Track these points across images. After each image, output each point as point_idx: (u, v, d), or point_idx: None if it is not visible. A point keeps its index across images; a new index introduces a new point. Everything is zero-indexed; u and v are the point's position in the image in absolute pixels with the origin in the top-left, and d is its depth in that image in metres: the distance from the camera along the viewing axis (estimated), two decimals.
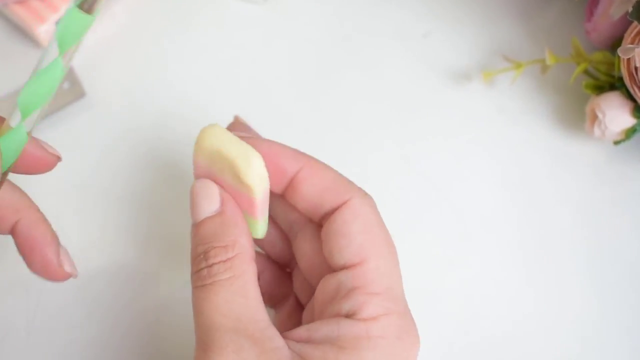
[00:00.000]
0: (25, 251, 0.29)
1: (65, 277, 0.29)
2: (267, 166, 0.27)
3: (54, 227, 0.38)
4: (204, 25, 0.45)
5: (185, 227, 0.38)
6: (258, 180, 0.27)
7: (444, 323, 0.37)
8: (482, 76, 0.43)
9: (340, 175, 0.30)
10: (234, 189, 0.28)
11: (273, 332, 0.26)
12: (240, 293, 0.26)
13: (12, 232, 0.29)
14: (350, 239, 0.27)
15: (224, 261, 0.26)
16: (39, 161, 0.28)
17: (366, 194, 0.29)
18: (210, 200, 0.28)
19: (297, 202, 0.30)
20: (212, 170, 0.28)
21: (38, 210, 0.29)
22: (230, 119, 0.39)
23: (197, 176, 0.29)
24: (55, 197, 0.39)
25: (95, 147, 0.41)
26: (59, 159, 0.29)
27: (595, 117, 0.40)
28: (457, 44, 0.45)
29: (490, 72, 0.43)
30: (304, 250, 0.30)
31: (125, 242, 0.38)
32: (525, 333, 0.37)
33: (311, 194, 0.29)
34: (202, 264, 0.26)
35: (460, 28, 0.46)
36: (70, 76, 0.41)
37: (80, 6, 0.24)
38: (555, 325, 0.38)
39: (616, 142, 0.41)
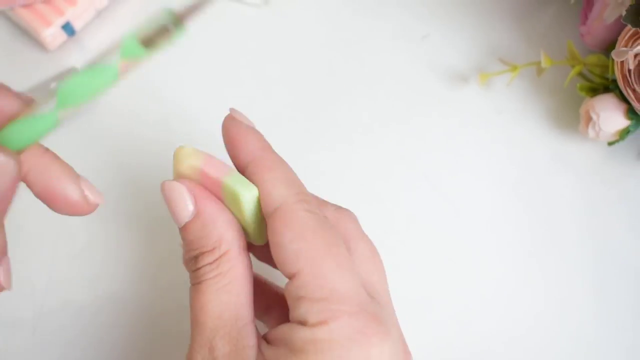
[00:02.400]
0: (47, 200, 0.26)
1: (94, 208, 0.27)
2: (228, 150, 0.28)
3: (59, 229, 0.38)
4: (205, 28, 0.45)
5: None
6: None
7: (441, 321, 0.37)
8: (479, 78, 0.43)
9: (284, 176, 0.28)
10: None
11: (249, 331, 0.26)
12: (225, 290, 0.26)
13: (27, 184, 0.26)
14: (284, 249, 0.26)
15: (211, 263, 0.27)
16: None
17: (301, 198, 0.27)
18: (184, 202, 0.27)
19: None
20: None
21: (45, 152, 0.26)
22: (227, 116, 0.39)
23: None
24: None
25: (98, 149, 0.41)
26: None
27: (589, 119, 0.40)
28: (455, 46, 0.45)
29: (486, 74, 0.43)
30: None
31: (130, 239, 0.38)
32: (523, 330, 0.37)
33: None
34: (193, 266, 0.27)
35: (458, 31, 0.46)
36: None
37: (140, 38, 0.23)
38: (553, 323, 0.38)
39: (610, 143, 0.41)
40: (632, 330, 0.38)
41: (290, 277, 0.26)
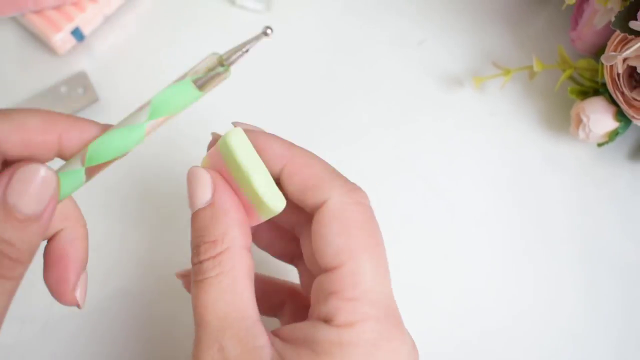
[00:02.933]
0: (50, 260, 0.26)
1: (71, 302, 0.26)
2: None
3: None
4: (209, 33, 0.45)
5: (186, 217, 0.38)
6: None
7: (437, 316, 0.38)
8: (474, 82, 0.43)
9: (324, 169, 0.27)
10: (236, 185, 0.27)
11: (258, 330, 0.25)
12: (229, 290, 0.25)
13: (50, 239, 0.26)
14: (328, 241, 0.25)
15: (213, 257, 0.25)
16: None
17: (351, 189, 0.26)
18: (203, 189, 0.27)
19: (287, 197, 0.27)
20: (220, 162, 0.27)
21: (84, 226, 0.27)
22: (233, 119, 0.39)
23: (208, 157, 0.28)
24: (74, 196, 0.39)
25: None
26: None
27: (580, 121, 0.41)
28: (450, 51, 0.45)
29: (480, 77, 0.43)
30: (305, 249, 0.29)
31: (137, 237, 0.38)
32: (516, 325, 0.38)
33: (294, 192, 0.27)
34: (195, 259, 0.26)
35: (453, 36, 0.46)
36: (84, 82, 0.41)
37: (195, 81, 0.25)
38: (545, 317, 0.38)
39: (600, 144, 0.41)
40: (621, 323, 0.38)
41: (328, 270, 0.25)
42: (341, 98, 0.43)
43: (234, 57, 0.25)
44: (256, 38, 0.25)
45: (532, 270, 0.39)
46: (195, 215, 0.26)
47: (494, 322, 0.38)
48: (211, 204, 0.26)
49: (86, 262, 0.27)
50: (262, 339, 0.25)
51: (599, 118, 0.39)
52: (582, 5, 0.43)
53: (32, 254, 0.24)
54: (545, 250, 0.40)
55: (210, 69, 0.25)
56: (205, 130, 0.41)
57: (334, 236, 0.25)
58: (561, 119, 0.43)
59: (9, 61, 0.43)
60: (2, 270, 0.23)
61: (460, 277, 0.39)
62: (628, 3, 0.35)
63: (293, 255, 0.32)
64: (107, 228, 0.39)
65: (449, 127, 0.43)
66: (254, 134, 0.28)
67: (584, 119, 0.40)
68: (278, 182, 0.27)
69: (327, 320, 0.24)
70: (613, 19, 0.34)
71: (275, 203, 0.26)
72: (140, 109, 0.25)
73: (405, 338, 0.25)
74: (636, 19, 0.33)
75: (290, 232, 0.31)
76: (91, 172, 0.25)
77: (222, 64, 0.25)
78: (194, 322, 0.26)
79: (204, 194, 0.26)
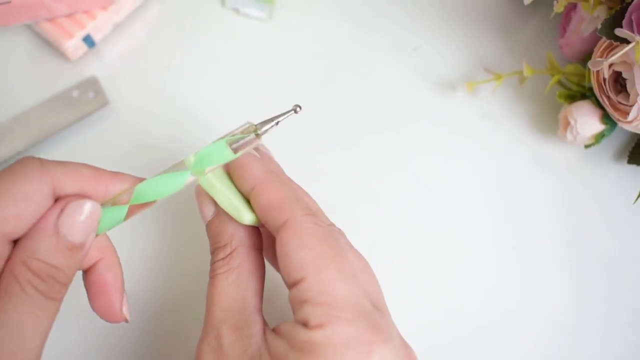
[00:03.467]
0: (94, 290, 0.28)
1: (120, 320, 0.28)
2: (233, 176, 0.29)
3: None
4: (214, 40, 0.45)
5: (195, 216, 0.38)
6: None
7: (431, 311, 0.38)
8: (466, 86, 0.43)
9: (290, 195, 0.28)
10: None
11: (255, 319, 0.27)
12: (233, 285, 0.27)
13: (88, 269, 0.28)
14: (290, 257, 0.26)
15: (223, 258, 0.28)
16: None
17: (310, 213, 0.27)
18: (207, 204, 0.30)
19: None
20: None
21: (116, 254, 0.29)
22: (237, 123, 0.39)
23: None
24: None
25: (117, 149, 0.41)
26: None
27: (567, 123, 0.41)
28: (444, 57, 0.45)
29: (473, 82, 0.43)
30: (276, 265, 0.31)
31: (145, 232, 0.38)
32: (507, 318, 0.38)
33: (259, 212, 0.28)
34: (211, 261, 0.28)
35: (447, 43, 0.46)
36: (95, 87, 0.42)
37: (230, 144, 0.27)
38: (534, 310, 0.38)
39: (587, 146, 0.41)
40: (605, 314, 0.38)
41: (295, 284, 0.26)
42: (340, 101, 0.44)
43: (266, 127, 0.28)
44: (286, 113, 0.28)
45: (522, 266, 0.39)
46: (207, 226, 0.29)
47: (487, 316, 0.38)
48: (216, 215, 0.29)
49: (123, 284, 0.28)
50: (255, 327, 0.26)
51: (586, 121, 0.40)
52: (569, 13, 0.43)
53: (72, 278, 0.26)
54: (534, 247, 0.40)
55: (245, 134, 0.27)
56: (208, 129, 0.42)
57: (296, 251, 0.26)
58: (550, 121, 0.43)
59: (24, 66, 0.43)
60: (53, 294, 0.25)
61: (454, 273, 0.39)
62: (613, 11, 0.35)
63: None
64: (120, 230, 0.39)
65: (443, 130, 0.43)
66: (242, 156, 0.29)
67: (572, 122, 0.40)
68: (249, 200, 0.29)
69: (304, 324, 0.25)
70: (599, 26, 0.35)
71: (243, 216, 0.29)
72: (184, 160, 0.27)
73: (389, 339, 0.25)
74: (621, 27, 0.33)
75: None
76: (132, 210, 0.27)
77: (255, 132, 0.27)
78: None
79: (209, 207, 0.30)
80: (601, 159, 0.42)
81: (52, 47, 0.44)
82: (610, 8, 0.37)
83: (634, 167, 0.42)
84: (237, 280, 0.27)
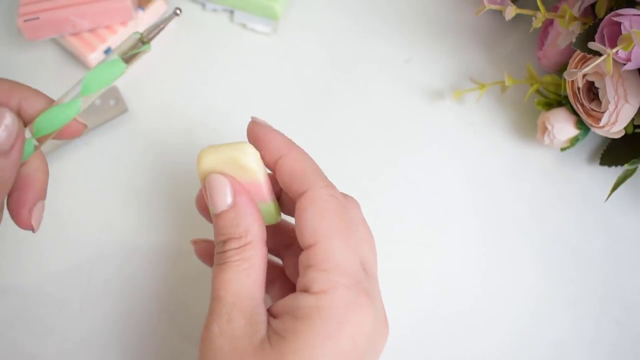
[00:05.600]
0: (13, 187, 0.27)
1: (26, 225, 0.27)
2: (258, 148, 0.28)
3: (102, 217, 0.38)
4: (224, 53, 0.45)
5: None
6: (255, 162, 0.27)
7: (420, 297, 0.38)
8: (453, 95, 0.43)
9: (310, 167, 0.28)
10: (241, 182, 0.28)
11: (261, 309, 0.26)
12: (245, 273, 0.26)
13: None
14: (306, 222, 0.26)
15: (237, 248, 0.27)
16: (70, 129, 0.27)
17: (327, 185, 0.28)
18: (224, 194, 0.27)
19: (280, 185, 0.29)
20: (230, 166, 0.27)
21: (45, 163, 0.28)
22: (245, 127, 0.39)
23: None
24: (103, 193, 0.39)
25: (134, 151, 0.41)
26: (85, 126, 0.28)
27: (545, 129, 0.41)
28: (433, 68, 0.45)
29: (459, 91, 0.43)
30: (289, 266, 0.31)
31: (159, 228, 0.38)
32: (486, 305, 0.38)
33: (284, 179, 0.28)
34: (220, 249, 0.27)
35: (435, 55, 0.46)
36: (116, 95, 0.41)
37: (123, 58, 0.26)
38: (511, 299, 0.38)
39: (562, 149, 0.41)
40: (575, 301, 0.38)
41: (306, 247, 0.26)
42: (337, 109, 0.43)
43: (152, 34, 0.26)
44: (169, 18, 0.27)
45: (501, 258, 0.39)
46: (219, 216, 0.27)
47: (468, 301, 0.38)
48: (233, 206, 0.27)
49: (44, 194, 0.27)
50: (262, 316, 0.26)
51: (562, 126, 0.39)
52: (547, 28, 0.43)
53: (5, 185, 0.25)
54: (513, 241, 0.40)
55: (133, 47, 0.26)
56: (218, 134, 0.41)
57: (312, 219, 0.26)
58: (529, 127, 0.43)
59: (51, 76, 0.43)
60: None
61: (439, 262, 0.39)
62: (587, 27, 0.35)
63: (278, 249, 0.33)
64: (134, 219, 0.39)
65: (431, 134, 0.43)
66: (265, 128, 0.29)
67: (549, 127, 0.40)
68: (273, 169, 0.28)
69: (305, 290, 0.25)
70: (574, 40, 0.34)
71: (279, 216, 0.29)
72: (73, 87, 0.26)
73: (373, 306, 0.26)
74: (594, 40, 0.33)
75: (277, 232, 0.32)
76: (40, 140, 0.26)
77: (143, 42, 0.26)
78: (210, 299, 0.27)
79: (226, 198, 0.27)
80: (576, 161, 0.42)
81: (76, 59, 0.44)
82: (584, 24, 0.37)
83: (605, 168, 0.41)
84: (249, 269, 0.26)
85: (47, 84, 0.43)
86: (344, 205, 0.27)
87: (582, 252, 0.39)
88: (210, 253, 0.33)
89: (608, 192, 0.37)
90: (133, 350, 0.35)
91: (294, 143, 0.29)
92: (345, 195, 0.29)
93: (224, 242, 0.27)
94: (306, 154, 0.29)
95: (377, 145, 0.42)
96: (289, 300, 0.26)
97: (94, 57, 0.42)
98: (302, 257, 0.26)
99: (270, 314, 0.26)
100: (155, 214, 0.39)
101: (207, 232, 0.38)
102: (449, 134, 0.43)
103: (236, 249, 0.27)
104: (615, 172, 0.41)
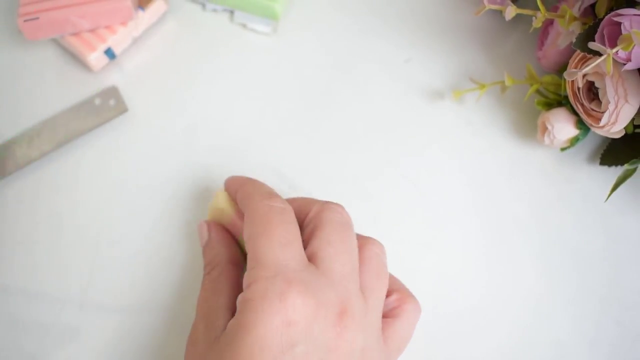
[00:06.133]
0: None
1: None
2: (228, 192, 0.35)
3: (102, 217, 0.38)
4: (224, 53, 0.45)
5: (203, 213, 0.38)
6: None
7: (418, 296, 0.37)
8: (453, 95, 0.43)
9: (254, 188, 0.32)
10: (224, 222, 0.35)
11: (222, 313, 0.30)
12: (211, 290, 0.31)
13: None
14: (244, 235, 0.30)
15: (209, 272, 0.33)
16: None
17: (264, 197, 0.31)
18: (203, 232, 0.35)
19: None
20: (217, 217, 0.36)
21: None
22: (245, 127, 0.39)
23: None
24: (103, 193, 0.39)
25: (134, 151, 0.41)
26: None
27: (545, 129, 0.41)
28: (432, 68, 0.45)
29: (459, 91, 0.43)
30: None
31: (159, 228, 0.38)
32: (485, 305, 0.38)
33: (239, 204, 0.33)
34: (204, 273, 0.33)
35: (435, 56, 0.46)
36: (116, 95, 0.41)
37: None
38: (511, 299, 0.38)
39: (562, 149, 0.41)
40: (574, 300, 0.38)
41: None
42: (338, 109, 0.43)
43: None
44: None
45: (501, 259, 0.39)
46: (203, 250, 0.35)
47: (467, 302, 0.38)
48: (208, 241, 0.34)
49: None
50: (221, 320, 0.29)
51: (562, 126, 0.39)
52: (547, 28, 0.43)
53: None
54: (513, 241, 0.39)
55: None
56: (220, 138, 0.41)
57: (245, 227, 0.30)
58: (529, 127, 0.43)
59: (51, 76, 0.43)
60: None
61: (439, 263, 0.39)
62: (587, 27, 0.35)
63: None
64: (136, 220, 0.39)
65: (431, 134, 0.43)
66: (229, 179, 0.36)
67: (549, 127, 0.40)
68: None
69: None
70: (574, 40, 0.34)
71: None
72: None
73: (307, 290, 0.26)
74: (594, 41, 0.33)
75: None
76: None
77: None
78: None
79: (203, 235, 0.35)
80: (576, 161, 0.42)
81: (77, 59, 0.44)
82: (584, 24, 0.37)
83: (605, 168, 0.41)
84: (214, 287, 0.31)
85: (46, 84, 0.43)
86: (277, 209, 0.30)
87: (582, 252, 0.39)
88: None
89: (608, 192, 0.37)
90: (133, 351, 0.35)
91: (249, 180, 0.34)
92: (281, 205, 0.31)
93: (204, 267, 0.34)
94: (257, 182, 0.34)
95: (377, 145, 0.42)
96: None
97: (94, 57, 0.41)
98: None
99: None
100: (155, 214, 0.39)
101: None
102: (448, 134, 0.43)
103: (209, 273, 0.33)
104: (615, 172, 0.41)
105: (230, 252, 0.33)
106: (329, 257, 0.28)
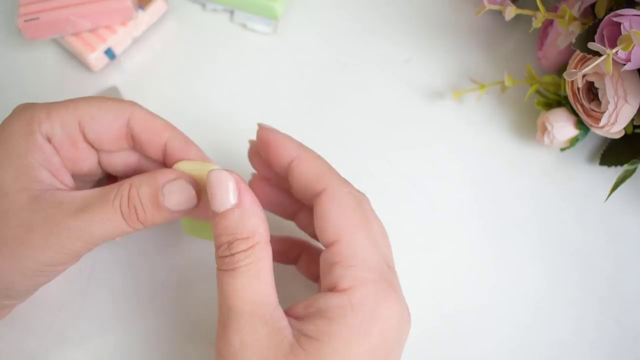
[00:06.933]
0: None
1: None
2: (269, 152, 0.29)
3: None
4: (223, 52, 0.45)
5: None
6: None
7: (422, 296, 0.38)
8: (453, 95, 0.43)
9: (324, 166, 0.28)
10: None
11: (279, 313, 0.25)
12: (256, 277, 0.25)
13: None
14: (327, 220, 0.26)
15: (245, 250, 0.25)
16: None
17: (344, 182, 0.28)
18: (228, 192, 0.26)
19: (291, 186, 0.29)
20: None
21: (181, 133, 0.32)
22: (246, 127, 0.39)
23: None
24: None
25: None
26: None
27: (545, 129, 0.41)
28: (433, 68, 0.45)
29: (459, 91, 0.43)
30: (308, 230, 0.31)
31: (159, 227, 0.38)
32: (486, 306, 0.38)
33: (299, 180, 0.28)
34: (225, 252, 0.25)
35: (435, 55, 0.46)
36: (116, 95, 0.41)
37: None
38: (513, 298, 0.38)
39: (562, 149, 0.41)
40: (575, 300, 0.38)
41: (329, 245, 0.26)
42: (338, 108, 0.43)
43: None
44: None
45: (502, 258, 0.39)
46: (222, 215, 0.26)
47: (470, 300, 0.38)
48: (238, 205, 0.26)
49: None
50: (283, 321, 0.25)
51: (562, 126, 0.39)
52: (547, 28, 0.43)
53: (150, 222, 0.29)
54: (513, 241, 0.39)
55: None
56: (221, 135, 0.41)
57: (333, 216, 0.26)
58: (529, 127, 0.43)
59: (52, 76, 0.43)
60: (129, 220, 0.28)
61: (441, 263, 0.39)
62: (587, 27, 0.35)
63: (291, 212, 0.33)
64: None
65: (431, 134, 0.43)
66: (274, 132, 0.29)
67: (549, 127, 0.40)
68: (287, 172, 0.29)
69: (332, 289, 0.25)
70: (574, 40, 0.34)
71: None
72: None
73: (399, 299, 0.26)
74: (594, 41, 0.33)
75: (289, 194, 0.31)
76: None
77: None
78: (218, 306, 0.26)
79: (230, 196, 0.26)
80: (575, 161, 0.42)
81: (77, 59, 0.44)
82: (584, 24, 0.37)
83: (605, 168, 0.41)
84: (259, 273, 0.25)
85: (47, 84, 0.43)
86: (361, 202, 0.28)
87: (583, 252, 0.39)
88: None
89: (608, 192, 0.37)
90: (133, 351, 0.35)
91: (304, 145, 0.29)
92: (358, 191, 0.29)
93: (229, 243, 0.25)
94: (318, 154, 0.29)
95: (377, 145, 0.42)
96: (317, 301, 0.25)
97: (94, 57, 0.41)
98: (326, 255, 0.26)
99: (291, 316, 0.26)
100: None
101: None
102: (449, 133, 0.43)
103: (244, 251, 0.25)
104: (615, 172, 0.41)
105: (267, 229, 0.27)
106: (390, 255, 0.29)
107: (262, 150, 0.30)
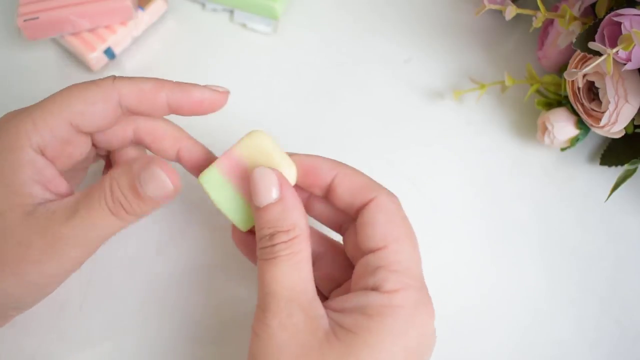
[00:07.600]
0: (193, 170, 0.32)
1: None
2: (308, 176, 0.30)
3: None
4: (223, 52, 0.45)
5: (204, 213, 0.38)
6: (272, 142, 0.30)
7: None
8: (453, 94, 0.43)
9: (368, 178, 0.30)
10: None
11: (317, 303, 0.27)
12: (296, 267, 0.26)
13: (179, 158, 0.32)
14: (376, 227, 0.28)
15: (285, 242, 0.27)
16: (210, 103, 0.32)
17: (391, 194, 0.29)
18: (271, 187, 0.27)
19: (336, 202, 0.30)
20: (243, 161, 0.29)
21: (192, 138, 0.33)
22: (246, 127, 0.39)
23: (226, 158, 0.30)
24: None
25: None
26: (228, 93, 0.32)
27: (545, 128, 0.41)
28: (433, 68, 0.45)
29: (459, 91, 0.43)
30: (348, 241, 0.31)
31: (159, 227, 0.38)
32: (486, 306, 0.38)
33: (345, 195, 0.29)
34: (267, 243, 0.27)
35: (435, 55, 0.46)
36: None
37: None
38: (513, 298, 0.38)
39: (562, 149, 0.41)
40: (575, 300, 0.38)
41: (374, 250, 0.27)
42: (338, 109, 0.43)
43: None
44: None
45: (502, 258, 0.39)
46: (265, 209, 0.27)
47: (470, 300, 0.38)
48: (280, 200, 0.27)
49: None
50: (321, 310, 0.26)
51: (562, 126, 0.39)
52: (547, 28, 0.43)
53: (137, 214, 0.29)
54: (513, 241, 0.39)
55: None
56: (221, 134, 0.41)
57: (382, 223, 0.28)
58: (529, 127, 0.43)
59: (51, 76, 0.43)
60: (117, 213, 0.28)
61: (441, 263, 0.38)
62: (587, 26, 0.35)
63: (341, 225, 0.33)
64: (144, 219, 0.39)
65: (431, 134, 0.43)
66: (309, 157, 0.31)
67: (549, 127, 0.40)
68: (329, 190, 0.30)
69: (375, 289, 0.26)
70: (574, 40, 0.35)
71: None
72: None
73: (433, 310, 0.28)
74: (594, 40, 0.33)
75: (342, 208, 0.32)
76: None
77: None
78: (258, 292, 0.27)
79: (273, 191, 0.27)
80: (576, 161, 0.42)
81: (77, 59, 0.44)
82: (584, 23, 0.37)
83: (605, 168, 0.41)
84: (299, 264, 0.27)
85: (47, 84, 0.43)
86: (405, 214, 0.29)
87: (583, 251, 0.39)
88: (248, 241, 0.33)
89: (608, 192, 0.37)
90: (134, 351, 0.35)
91: (339, 161, 0.30)
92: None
93: (271, 235, 0.27)
94: (355, 168, 0.30)
95: (377, 144, 0.42)
96: (357, 297, 0.26)
97: (94, 57, 0.41)
98: (370, 259, 0.27)
99: (330, 308, 0.27)
100: (155, 214, 0.39)
101: (205, 228, 0.38)
102: (449, 133, 0.43)
103: (285, 242, 0.26)
104: (616, 172, 0.41)
105: (307, 223, 0.28)
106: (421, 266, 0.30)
107: (300, 177, 0.30)
